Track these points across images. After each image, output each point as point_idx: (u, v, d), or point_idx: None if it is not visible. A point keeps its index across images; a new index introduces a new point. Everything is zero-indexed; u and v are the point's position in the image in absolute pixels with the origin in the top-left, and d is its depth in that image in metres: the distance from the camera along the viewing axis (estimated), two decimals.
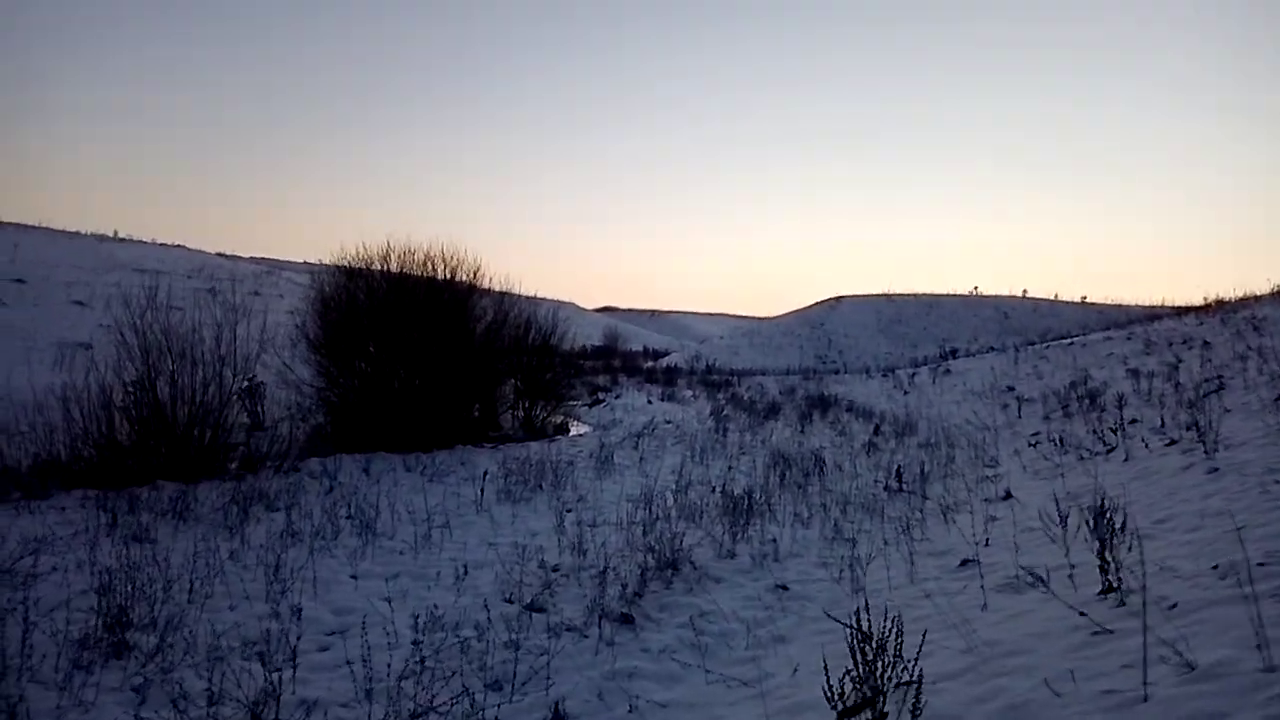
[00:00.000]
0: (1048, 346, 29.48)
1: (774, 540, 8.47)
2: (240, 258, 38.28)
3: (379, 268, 16.56)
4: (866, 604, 4.51)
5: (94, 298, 23.61)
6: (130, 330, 11.28)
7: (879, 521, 9.39)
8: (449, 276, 17.31)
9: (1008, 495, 9.71)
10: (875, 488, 11.85)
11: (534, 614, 6.31)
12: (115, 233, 40.06)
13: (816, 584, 7.21)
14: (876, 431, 17.12)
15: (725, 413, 21.65)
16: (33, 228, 36.39)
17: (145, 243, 39.27)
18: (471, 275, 17.62)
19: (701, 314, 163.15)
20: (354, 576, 7.29)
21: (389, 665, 4.97)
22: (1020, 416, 19.26)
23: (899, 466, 12.32)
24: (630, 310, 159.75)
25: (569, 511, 10.21)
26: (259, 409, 16.16)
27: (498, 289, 18.73)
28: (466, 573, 7.38)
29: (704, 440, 16.14)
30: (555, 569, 7.55)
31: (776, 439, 17.27)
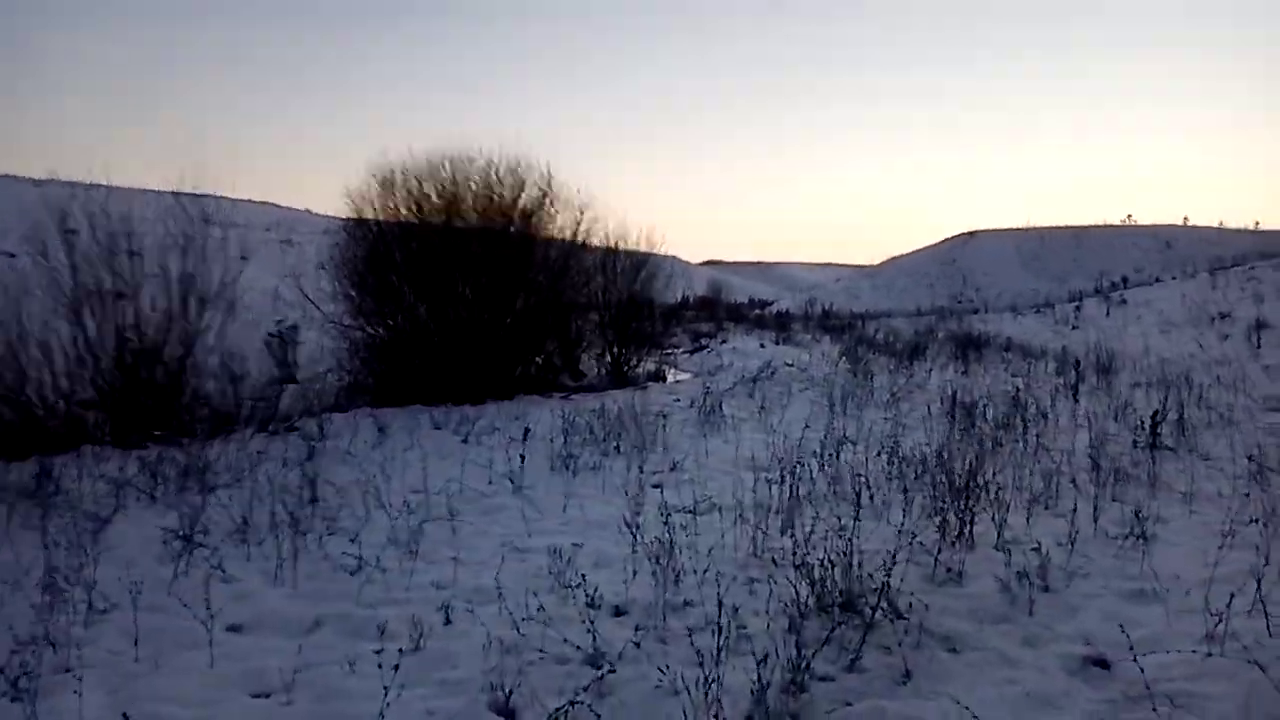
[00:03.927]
0: (1253, 268, 23.95)
1: (1020, 544, 4.64)
2: (256, 202, 34.79)
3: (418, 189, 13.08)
4: None
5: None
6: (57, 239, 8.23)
7: (1170, 499, 5.44)
8: (515, 194, 13.76)
9: None
10: (1117, 443, 7.77)
11: None
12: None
13: (1179, 658, 3.35)
14: (1076, 370, 12.79)
15: (859, 354, 17.55)
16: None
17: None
18: (545, 190, 14.01)
19: (808, 264, 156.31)
20: (233, 629, 3.86)
21: None
22: (1260, 347, 14.52)
23: (1155, 415, 8.15)
24: (735, 263, 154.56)
25: (656, 488, 6.59)
26: (291, 358, 13.19)
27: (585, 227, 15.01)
28: (449, 621, 3.88)
29: (840, 385, 12.17)
30: (619, 613, 3.97)
31: (936, 382, 13.16)
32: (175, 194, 9.78)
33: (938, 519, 5.03)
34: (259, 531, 5.11)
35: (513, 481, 6.44)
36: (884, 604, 3.70)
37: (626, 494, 5.94)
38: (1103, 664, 3.30)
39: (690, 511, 5.69)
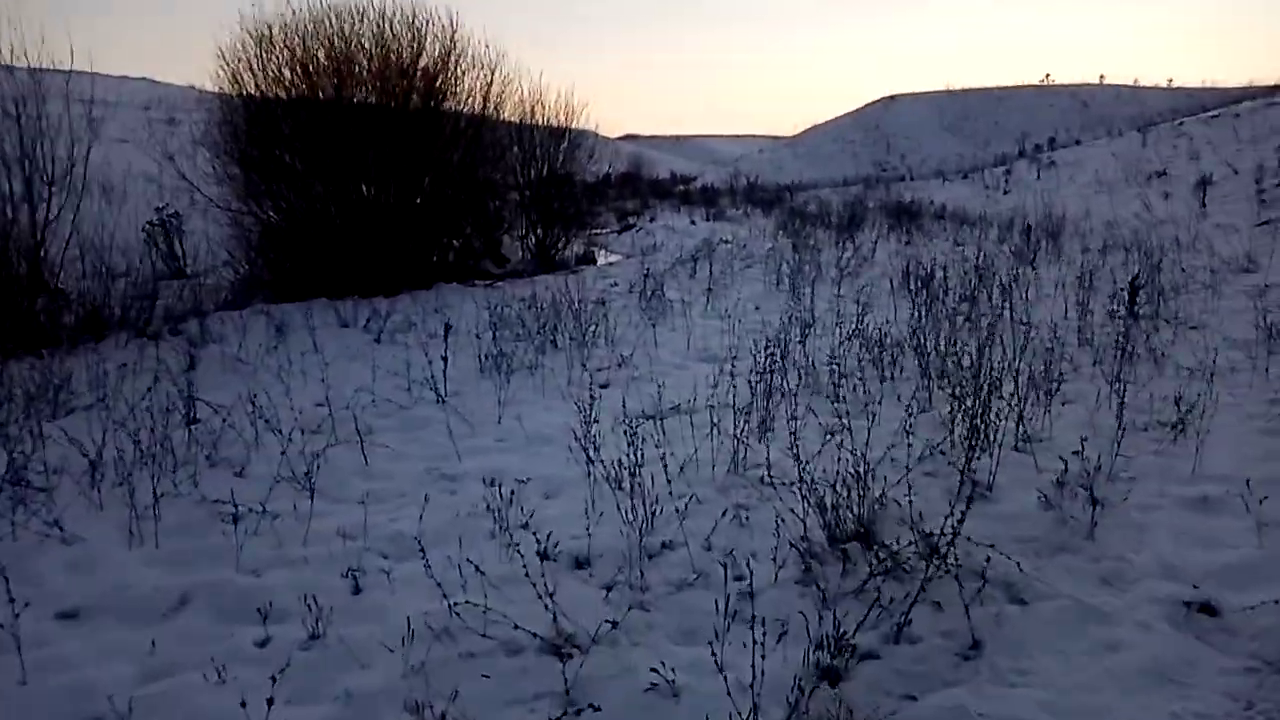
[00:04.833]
0: (1180, 123, 23.71)
1: (1041, 442, 3.93)
2: (134, 78, 31.26)
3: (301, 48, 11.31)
4: None
5: None
6: None
7: (1181, 377, 4.82)
8: (415, 52, 12.10)
9: None
10: (1091, 316, 7.16)
11: None
12: None
13: None
14: (1028, 236, 12.21)
15: (795, 227, 16.74)
16: None
17: None
18: (449, 47, 12.36)
19: (727, 136, 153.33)
20: (65, 617, 2.89)
21: None
22: (1205, 205, 14.20)
23: (1134, 281, 7.56)
24: (654, 137, 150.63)
25: (603, 388, 5.71)
26: (177, 249, 11.66)
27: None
28: (357, 589, 2.98)
29: (784, 261, 11.34)
30: (580, 566, 3.12)
31: (882, 255, 12.45)
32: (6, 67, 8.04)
33: (942, 415, 4.28)
34: (116, 469, 4.05)
35: (436, 389, 5.45)
36: (916, 537, 2.93)
37: (571, 398, 5.04)
38: (1210, 610, 2.61)
39: (649, 417, 4.83)
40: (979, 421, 3.89)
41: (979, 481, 3.66)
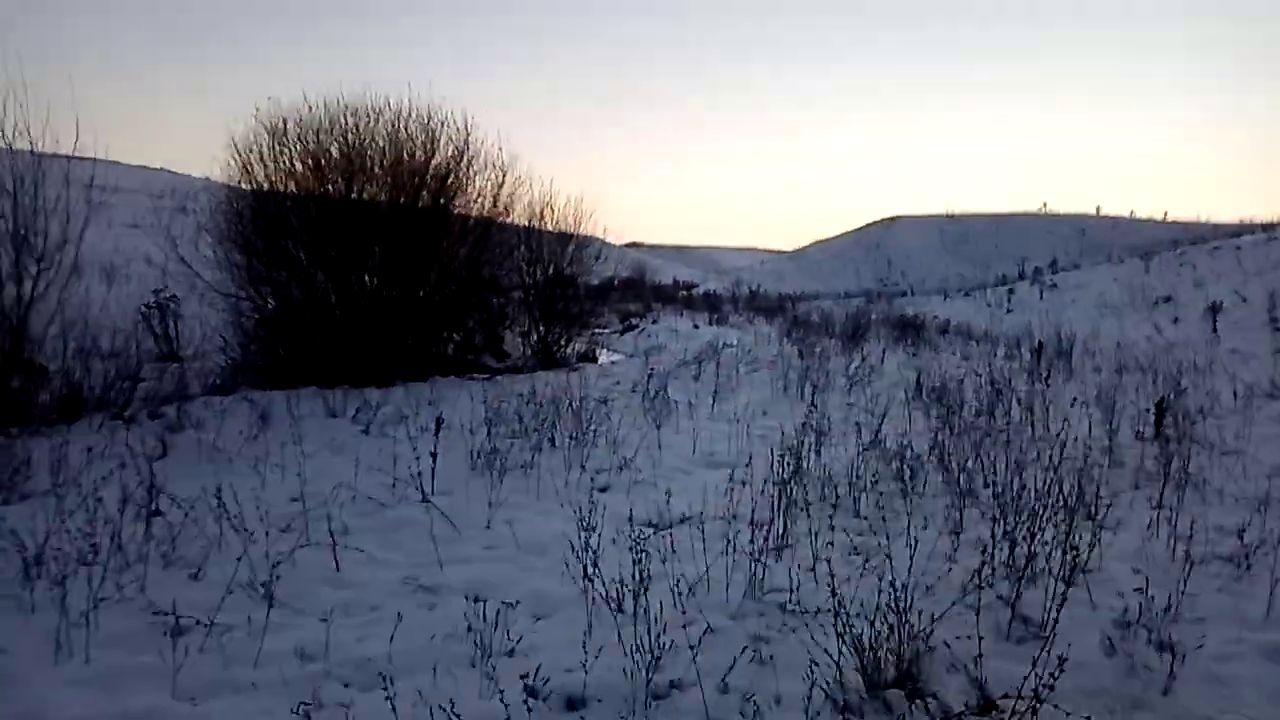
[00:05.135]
0: (1183, 252, 23.92)
1: (1093, 574, 3.51)
2: (153, 168, 31.81)
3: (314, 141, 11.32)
4: None
5: None
6: None
7: (1236, 507, 4.40)
8: (428, 152, 12.12)
9: None
10: (1116, 435, 6.79)
11: None
12: None
13: None
14: (1038, 354, 11.96)
15: (800, 335, 16.56)
16: None
17: None
18: (461, 149, 12.40)
19: (730, 247, 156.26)
20: None
21: None
22: (1216, 331, 14.04)
23: (1162, 403, 7.23)
24: (657, 245, 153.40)
25: (602, 492, 5.30)
26: (171, 331, 11.39)
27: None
28: None
29: (790, 367, 11.05)
30: (573, 708, 2.66)
31: (890, 365, 12.19)
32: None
33: (978, 538, 3.87)
34: (58, 567, 3.60)
35: (422, 486, 5.03)
36: (971, 686, 2.49)
37: (569, 503, 4.62)
38: None
39: (653, 526, 4.41)
40: (1026, 548, 3.47)
41: (1029, 618, 3.22)
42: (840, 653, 2.71)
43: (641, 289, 44.63)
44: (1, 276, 7.33)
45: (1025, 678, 2.35)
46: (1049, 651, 2.54)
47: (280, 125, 11.14)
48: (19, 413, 7.04)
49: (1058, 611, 3.00)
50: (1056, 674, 2.35)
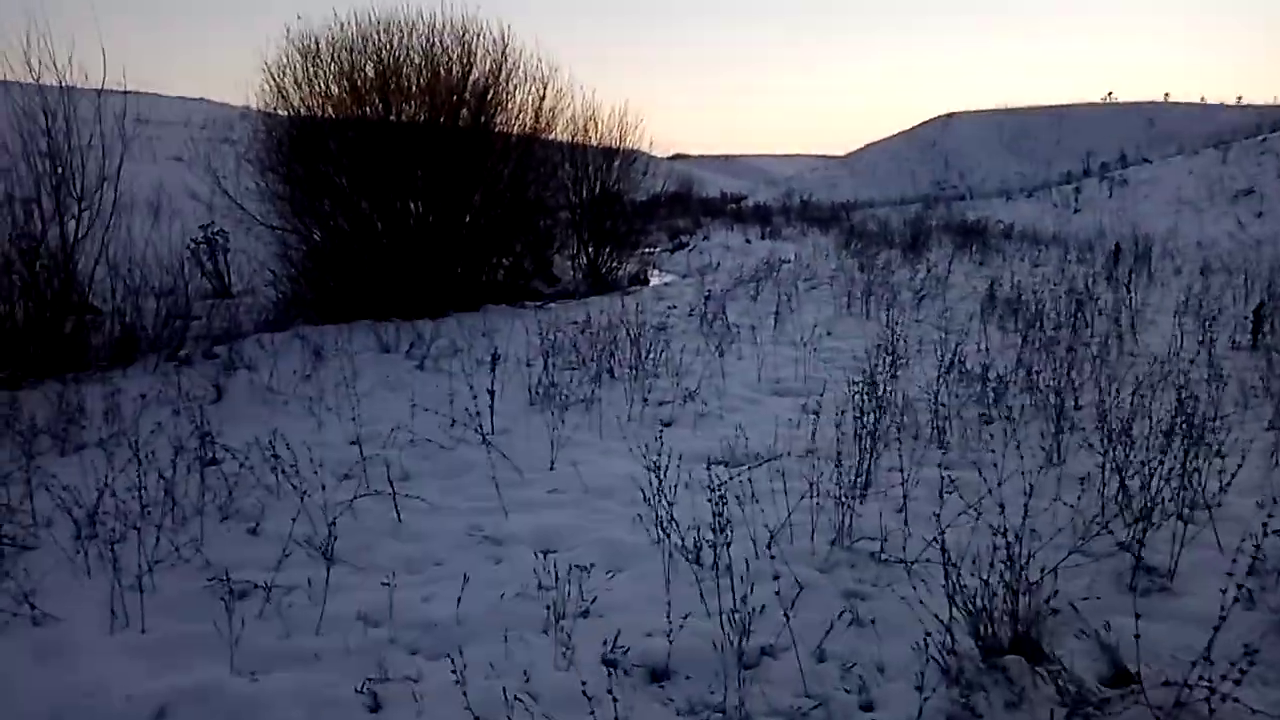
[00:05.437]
0: (1264, 139, 22.43)
1: (1218, 515, 3.17)
2: (191, 99, 31.15)
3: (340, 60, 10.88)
4: None
5: None
6: None
7: None
8: (466, 66, 11.64)
9: None
10: (1214, 347, 6.29)
11: None
12: None
13: None
14: (1115, 258, 11.31)
15: (858, 246, 15.97)
16: None
17: None
18: (500, 61, 11.89)
19: (778, 155, 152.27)
20: None
21: None
22: None
23: (1259, 309, 6.71)
24: (703, 156, 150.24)
25: (667, 426, 5.05)
26: (222, 269, 11.35)
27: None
28: (376, 706, 2.33)
29: (850, 283, 10.58)
30: (657, 680, 2.44)
31: (958, 275, 11.64)
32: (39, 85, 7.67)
33: (1084, 472, 3.54)
34: (115, 523, 3.49)
35: (481, 426, 4.84)
36: (1109, 658, 2.21)
37: (633, 440, 4.39)
38: None
39: (724, 464, 4.16)
40: (1145, 484, 3.14)
41: (1153, 567, 2.92)
42: (951, 615, 2.44)
43: (689, 204, 43.76)
44: (45, 217, 7.21)
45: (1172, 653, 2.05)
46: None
47: (313, 45, 10.75)
48: (74, 357, 7.00)
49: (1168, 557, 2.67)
50: (1243, 667, 2.02)
